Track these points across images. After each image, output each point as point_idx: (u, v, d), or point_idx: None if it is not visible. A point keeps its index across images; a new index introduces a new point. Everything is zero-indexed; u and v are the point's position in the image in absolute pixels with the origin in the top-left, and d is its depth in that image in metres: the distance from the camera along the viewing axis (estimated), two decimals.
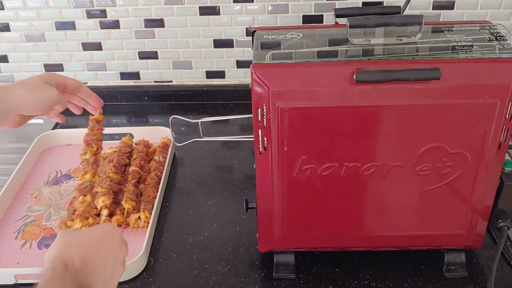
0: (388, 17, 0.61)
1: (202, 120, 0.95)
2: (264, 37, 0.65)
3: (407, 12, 0.66)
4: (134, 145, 1.00)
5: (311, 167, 0.63)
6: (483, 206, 0.67)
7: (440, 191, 0.65)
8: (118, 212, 0.82)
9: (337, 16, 0.67)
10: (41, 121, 1.14)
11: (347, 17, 0.62)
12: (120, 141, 1.00)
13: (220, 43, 1.14)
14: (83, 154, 0.81)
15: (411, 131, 0.61)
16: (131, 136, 1.02)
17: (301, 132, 0.61)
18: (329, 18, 1.08)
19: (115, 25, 1.13)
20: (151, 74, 1.19)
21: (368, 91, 0.58)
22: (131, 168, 0.92)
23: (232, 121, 1.12)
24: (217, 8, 1.09)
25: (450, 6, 1.08)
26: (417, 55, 0.60)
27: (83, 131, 1.05)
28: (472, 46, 0.61)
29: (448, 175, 0.64)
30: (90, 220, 0.81)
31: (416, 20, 0.62)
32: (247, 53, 1.15)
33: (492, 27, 0.66)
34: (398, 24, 0.62)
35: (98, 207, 0.82)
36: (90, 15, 1.12)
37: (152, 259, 0.78)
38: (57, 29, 1.14)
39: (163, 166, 0.94)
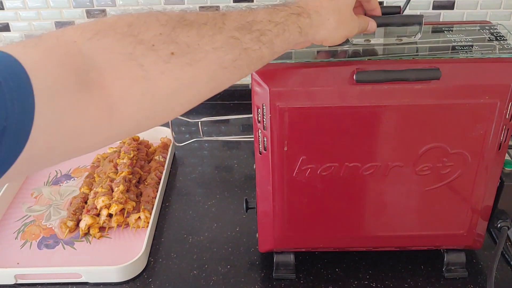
0: (388, 17, 0.61)
1: (202, 120, 0.96)
2: None
3: (407, 12, 0.66)
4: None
5: (311, 167, 0.63)
6: (483, 206, 0.67)
7: (440, 191, 0.65)
8: (118, 212, 0.82)
9: None
10: None
11: None
12: (120, 141, 1.00)
13: None
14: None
15: (411, 131, 0.61)
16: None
17: (301, 132, 0.61)
18: None
19: None
20: None
21: (368, 91, 0.58)
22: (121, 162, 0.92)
23: (232, 121, 1.12)
24: (217, 8, 1.09)
25: (450, 6, 1.08)
26: (417, 55, 0.60)
27: None
28: (472, 46, 0.61)
29: (448, 175, 0.64)
30: (90, 220, 0.81)
31: (416, 20, 0.62)
32: None
33: (492, 27, 0.66)
34: (398, 24, 0.62)
35: (98, 207, 0.82)
36: (90, 15, 1.12)
37: (152, 259, 0.78)
38: (57, 29, 1.14)
39: (163, 166, 0.94)
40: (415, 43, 0.63)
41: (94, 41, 0.40)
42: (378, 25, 0.60)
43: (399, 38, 0.64)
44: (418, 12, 1.08)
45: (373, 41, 0.64)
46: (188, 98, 0.46)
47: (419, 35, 0.63)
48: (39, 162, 0.38)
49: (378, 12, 0.61)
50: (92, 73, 0.39)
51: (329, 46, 0.62)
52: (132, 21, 0.42)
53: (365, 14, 0.61)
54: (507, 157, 0.65)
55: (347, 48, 0.63)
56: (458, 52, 0.60)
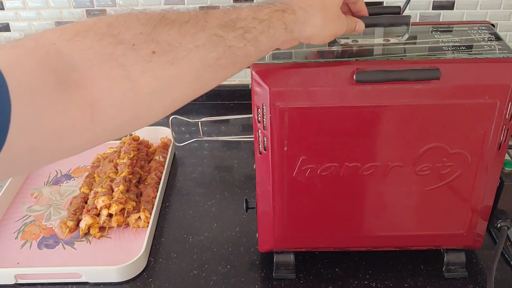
0: (375, 17, 0.61)
1: (202, 120, 0.96)
2: None
3: (407, 12, 0.66)
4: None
5: (311, 167, 0.63)
6: (483, 206, 0.67)
7: (440, 191, 0.65)
8: (118, 212, 0.82)
9: None
10: None
11: None
12: (120, 141, 1.00)
13: None
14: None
15: (411, 131, 0.61)
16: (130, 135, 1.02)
17: (301, 132, 0.61)
18: None
19: None
20: None
21: (368, 91, 0.58)
22: (121, 162, 0.92)
23: (232, 121, 1.12)
24: (218, 8, 1.09)
25: (450, 6, 1.08)
26: (405, 55, 0.60)
27: None
28: (471, 46, 0.61)
29: (448, 175, 0.64)
30: (90, 220, 0.81)
31: (403, 21, 0.62)
32: None
33: (491, 27, 0.66)
34: (385, 24, 0.62)
35: (98, 207, 0.83)
36: (90, 15, 1.12)
37: (152, 259, 0.78)
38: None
39: (163, 166, 0.94)
40: (414, 43, 0.63)
41: (73, 42, 0.40)
42: (366, 26, 0.60)
43: (386, 39, 0.64)
44: (418, 13, 1.08)
45: (360, 41, 0.64)
46: (172, 98, 0.45)
47: (406, 36, 0.63)
48: (20, 164, 0.38)
49: (365, 13, 0.61)
50: (72, 74, 0.39)
51: (328, 45, 0.62)
52: (111, 21, 0.42)
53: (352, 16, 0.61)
54: (507, 157, 0.65)
55: (347, 48, 0.63)
56: (457, 52, 0.60)
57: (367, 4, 0.62)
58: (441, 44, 0.62)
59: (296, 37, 0.54)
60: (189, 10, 0.46)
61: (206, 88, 0.48)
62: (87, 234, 0.82)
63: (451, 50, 0.61)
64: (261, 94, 0.59)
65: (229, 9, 0.48)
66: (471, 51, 0.60)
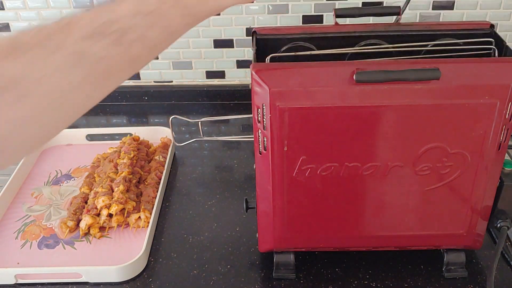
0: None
1: (202, 120, 0.96)
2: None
3: (406, 12, 0.66)
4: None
5: (311, 167, 0.63)
6: (483, 206, 0.67)
7: (440, 191, 0.65)
8: (118, 212, 0.82)
9: (337, 16, 0.67)
10: None
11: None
12: (120, 141, 1.00)
13: (220, 43, 1.14)
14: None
15: (411, 131, 0.61)
16: (130, 135, 1.02)
17: (301, 132, 0.61)
18: (329, 18, 1.08)
19: None
20: (151, 74, 1.19)
21: (368, 91, 0.58)
22: (121, 162, 0.92)
23: (232, 121, 1.12)
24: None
25: (450, 6, 1.08)
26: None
27: (83, 131, 1.05)
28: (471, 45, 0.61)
29: (448, 175, 0.64)
30: (90, 220, 0.81)
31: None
32: (247, 53, 1.15)
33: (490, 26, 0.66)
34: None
35: (98, 207, 0.83)
36: None
37: (152, 259, 0.78)
38: None
39: (163, 166, 0.94)
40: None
41: None
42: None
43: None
44: (418, 13, 1.08)
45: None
46: (31, 135, 0.40)
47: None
48: None
49: None
50: None
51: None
52: None
53: None
54: (507, 157, 0.65)
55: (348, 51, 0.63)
56: (457, 52, 0.60)
57: (367, 4, 0.62)
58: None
59: (199, 18, 0.47)
60: (51, 24, 0.39)
61: (87, 106, 0.42)
62: (87, 234, 0.82)
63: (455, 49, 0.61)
64: (261, 94, 0.59)
65: (103, 7, 0.41)
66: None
